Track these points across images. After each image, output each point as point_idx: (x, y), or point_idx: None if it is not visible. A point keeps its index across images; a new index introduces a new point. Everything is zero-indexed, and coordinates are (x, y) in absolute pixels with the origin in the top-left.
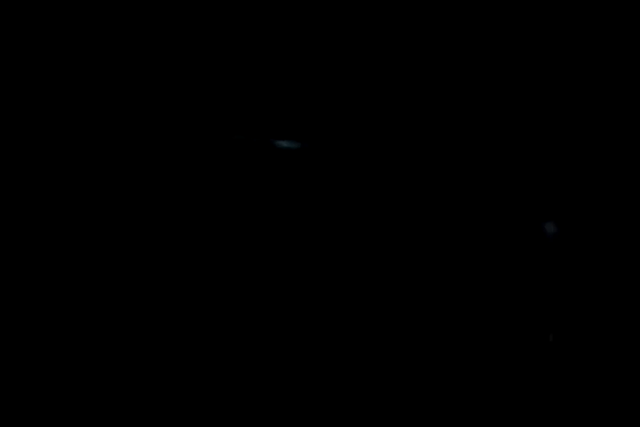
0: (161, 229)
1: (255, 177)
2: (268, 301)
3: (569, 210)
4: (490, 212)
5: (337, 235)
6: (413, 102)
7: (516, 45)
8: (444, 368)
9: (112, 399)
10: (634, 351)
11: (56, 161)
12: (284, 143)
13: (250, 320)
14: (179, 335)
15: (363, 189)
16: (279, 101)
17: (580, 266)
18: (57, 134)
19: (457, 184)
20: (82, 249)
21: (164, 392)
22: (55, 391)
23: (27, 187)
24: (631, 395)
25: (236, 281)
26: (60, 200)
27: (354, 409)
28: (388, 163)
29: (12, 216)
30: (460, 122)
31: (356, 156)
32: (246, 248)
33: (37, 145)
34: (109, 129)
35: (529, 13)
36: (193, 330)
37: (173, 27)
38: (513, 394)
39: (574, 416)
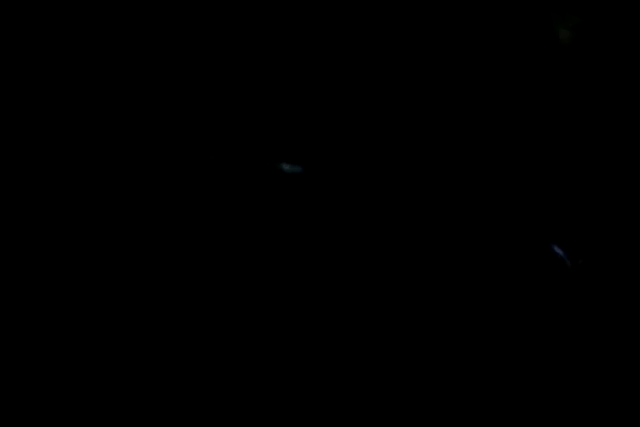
0: (162, 254)
1: (258, 201)
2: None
3: (578, 231)
4: (498, 233)
5: (341, 260)
6: (418, 126)
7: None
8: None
9: (112, 399)
10: None
11: (57, 162)
12: (287, 167)
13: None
14: (178, 337)
15: (366, 215)
16: (282, 125)
17: (593, 289)
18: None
19: (462, 208)
20: (81, 253)
21: (164, 392)
22: (55, 391)
23: (27, 187)
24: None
25: (234, 303)
26: (61, 201)
27: (355, 409)
28: (391, 188)
29: (12, 216)
30: (464, 142)
31: (359, 180)
32: (248, 271)
33: (40, 145)
34: (116, 157)
35: (529, 15)
36: (192, 333)
37: (176, 46)
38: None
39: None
